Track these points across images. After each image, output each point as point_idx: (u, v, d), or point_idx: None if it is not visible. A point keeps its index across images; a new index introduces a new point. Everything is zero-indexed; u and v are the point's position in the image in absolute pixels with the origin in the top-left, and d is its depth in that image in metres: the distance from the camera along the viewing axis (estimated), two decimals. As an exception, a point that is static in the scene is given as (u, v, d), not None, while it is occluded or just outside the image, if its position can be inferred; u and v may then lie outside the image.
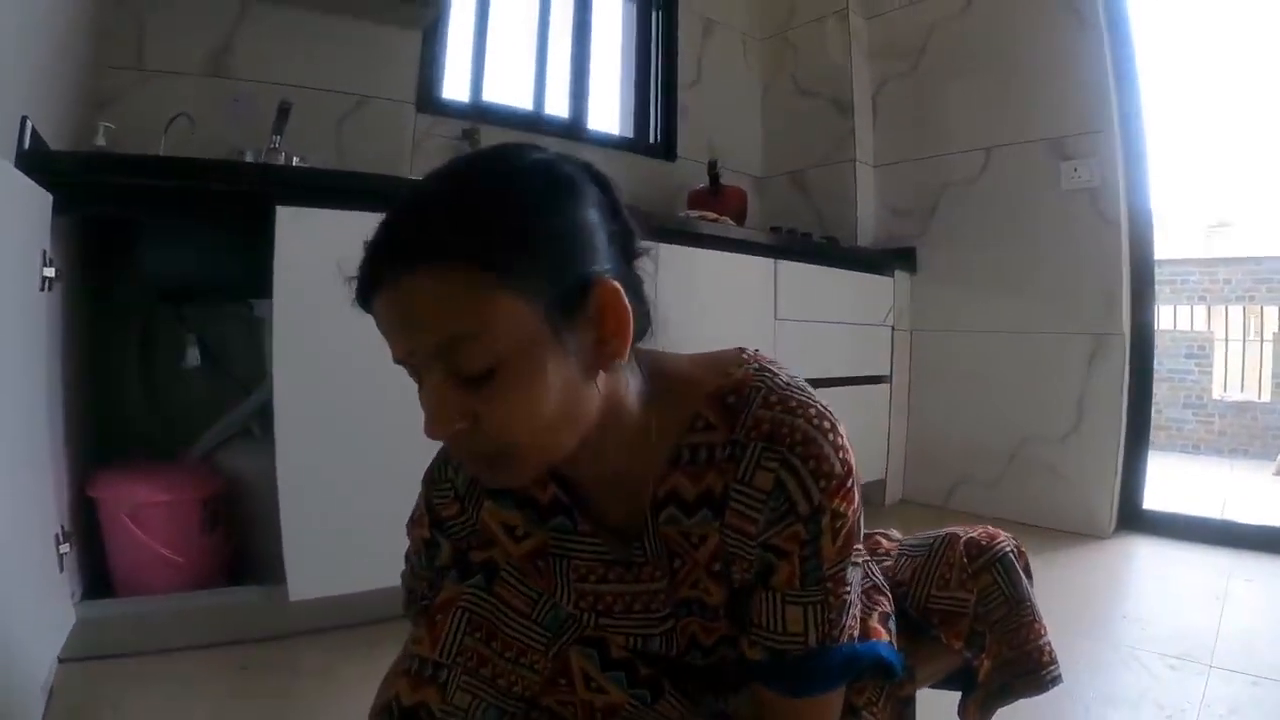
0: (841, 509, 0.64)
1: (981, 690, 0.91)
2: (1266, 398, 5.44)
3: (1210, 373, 5.75)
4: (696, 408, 0.67)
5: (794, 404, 0.65)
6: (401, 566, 0.87)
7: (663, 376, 0.68)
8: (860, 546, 0.69)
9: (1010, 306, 2.70)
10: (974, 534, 0.91)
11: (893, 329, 2.85)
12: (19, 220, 1.15)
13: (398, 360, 0.58)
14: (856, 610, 0.69)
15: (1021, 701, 0.94)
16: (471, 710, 0.69)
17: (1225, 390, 5.63)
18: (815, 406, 0.65)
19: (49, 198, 1.26)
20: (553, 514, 0.72)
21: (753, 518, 0.65)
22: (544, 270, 0.55)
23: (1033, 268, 2.64)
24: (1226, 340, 5.71)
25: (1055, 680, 0.90)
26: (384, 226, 0.57)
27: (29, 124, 1.25)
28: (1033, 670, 0.89)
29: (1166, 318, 5.73)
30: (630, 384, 0.65)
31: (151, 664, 1.38)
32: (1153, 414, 2.64)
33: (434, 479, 0.79)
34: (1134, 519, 2.53)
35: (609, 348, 0.59)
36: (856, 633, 0.69)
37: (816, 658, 0.65)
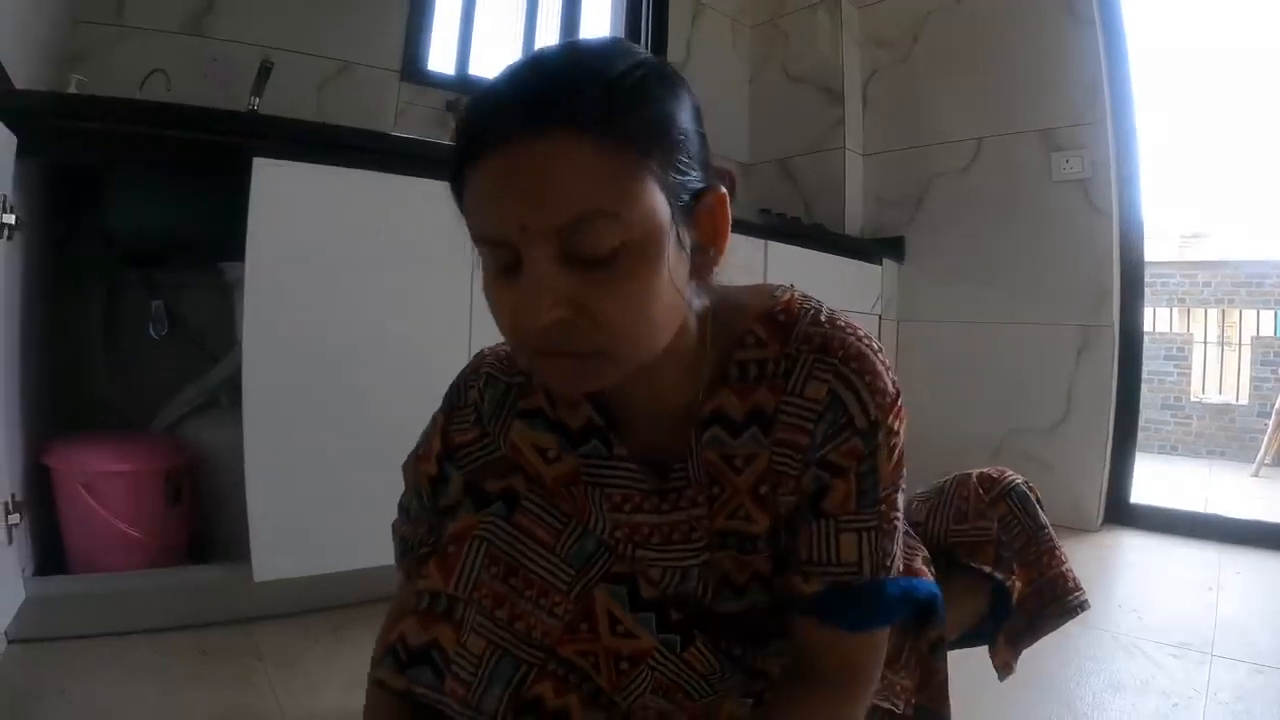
0: (896, 427, 0.63)
1: (1009, 626, 0.91)
2: (1245, 400, 5.49)
3: (1189, 374, 5.79)
4: (747, 325, 0.65)
5: (842, 323, 0.65)
6: (387, 546, 0.80)
7: (714, 297, 0.65)
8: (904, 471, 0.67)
9: (999, 297, 2.67)
10: (984, 470, 0.94)
11: (880, 318, 2.81)
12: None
13: (485, 238, 0.53)
14: (901, 544, 0.67)
15: (1032, 687, 0.91)
16: (485, 658, 0.63)
17: (1204, 392, 5.67)
18: (863, 329, 0.66)
19: (13, 138, 1.18)
20: (585, 438, 0.68)
21: (805, 428, 0.63)
22: (676, 166, 0.54)
23: (1023, 258, 2.62)
24: (1205, 343, 5.77)
25: (1082, 606, 0.91)
26: (518, 81, 0.52)
27: (-7, 59, 1.17)
28: (1059, 597, 0.90)
29: (1146, 319, 5.75)
30: (694, 301, 0.62)
31: (104, 646, 1.29)
32: (1134, 411, 2.62)
33: (454, 403, 0.74)
34: (1121, 512, 2.51)
35: (707, 256, 0.59)
36: (902, 568, 0.67)
37: (874, 589, 0.63)
